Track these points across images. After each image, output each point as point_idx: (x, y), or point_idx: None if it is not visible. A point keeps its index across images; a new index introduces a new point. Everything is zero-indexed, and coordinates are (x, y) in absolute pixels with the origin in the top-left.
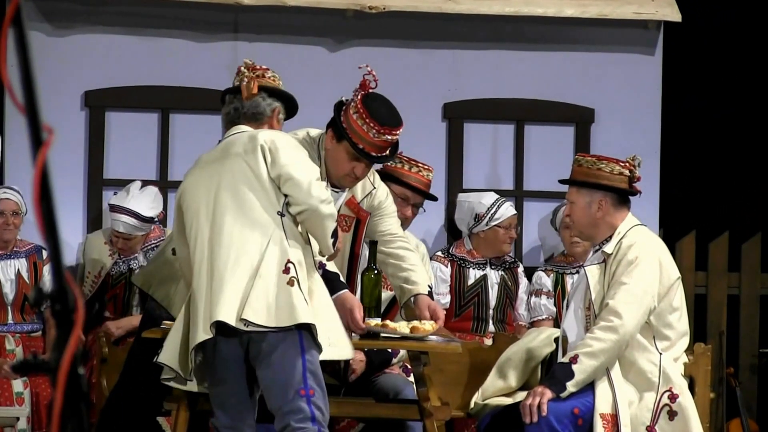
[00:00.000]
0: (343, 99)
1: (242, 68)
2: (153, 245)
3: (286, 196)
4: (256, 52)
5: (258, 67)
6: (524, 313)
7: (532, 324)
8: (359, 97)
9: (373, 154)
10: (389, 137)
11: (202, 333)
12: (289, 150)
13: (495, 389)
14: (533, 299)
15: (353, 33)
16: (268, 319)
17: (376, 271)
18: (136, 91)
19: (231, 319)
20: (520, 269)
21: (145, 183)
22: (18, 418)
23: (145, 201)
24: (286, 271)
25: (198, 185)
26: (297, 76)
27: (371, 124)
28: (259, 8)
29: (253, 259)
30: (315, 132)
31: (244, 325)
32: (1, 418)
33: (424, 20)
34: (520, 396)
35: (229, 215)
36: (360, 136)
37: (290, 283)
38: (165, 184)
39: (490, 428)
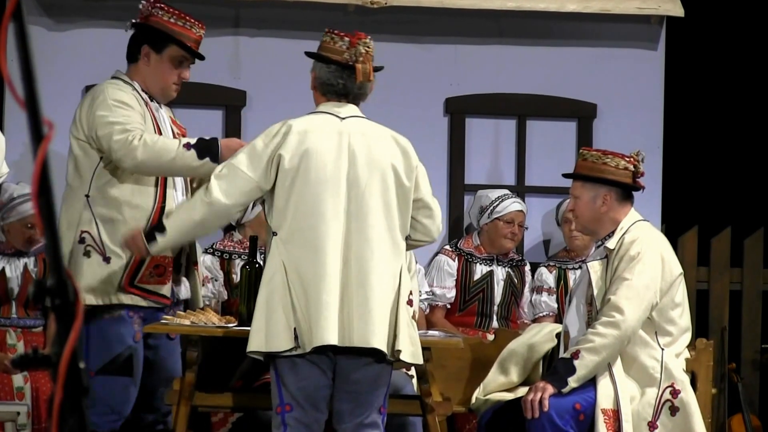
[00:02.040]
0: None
1: (359, 45)
2: None
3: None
4: (257, 47)
5: (370, 47)
6: (528, 311)
7: (534, 321)
8: (156, 4)
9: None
10: (203, 31)
11: (327, 336)
12: (426, 177)
13: (496, 384)
14: (534, 296)
15: (355, 28)
16: (414, 356)
17: (257, 266)
18: None
19: (383, 346)
20: (527, 268)
21: None
22: (18, 413)
23: None
24: (410, 303)
25: (327, 156)
26: (298, 70)
27: (191, 21)
28: (260, 3)
29: (395, 283)
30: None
31: (393, 355)
32: (1, 413)
33: (426, 15)
34: (522, 391)
35: (376, 225)
36: (186, 36)
37: (413, 317)
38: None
39: (492, 423)
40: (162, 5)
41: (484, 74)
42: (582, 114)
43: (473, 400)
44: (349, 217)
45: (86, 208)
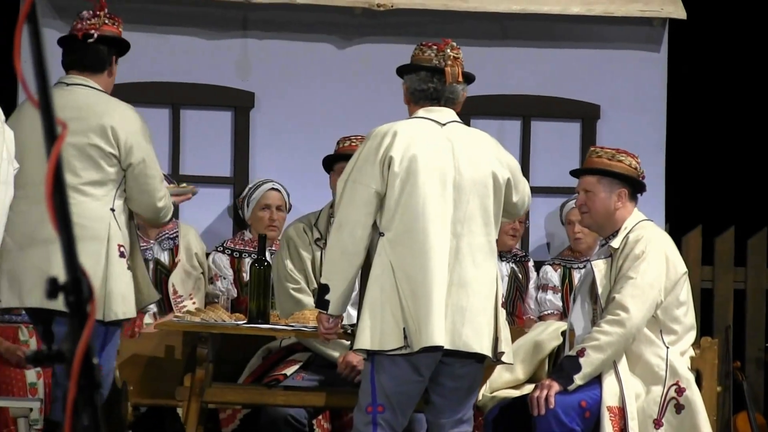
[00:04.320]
0: None
1: (447, 49)
2: (166, 236)
3: None
4: (265, 49)
5: (458, 52)
6: (534, 307)
7: (540, 318)
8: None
9: None
10: None
11: (436, 338)
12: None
13: (502, 382)
14: (540, 294)
15: (361, 30)
16: (509, 357)
17: (266, 264)
18: (147, 87)
19: (488, 351)
20: (531, 263)
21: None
22: (31, 409)
23: None
24: (503, 305)
25: (434, 162)
26: (306, 72)
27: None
28: (268, 6)
29: (494, 287)
30: None
31: (496, 357)
32: (14, 409)
33: (431, 17)
34: (528, 389)
35: (477, 231)
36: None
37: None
38: (177, 179)
39: (498, 420)
40: (110, 13)
41: (489, 76)
42: (586, 115)
43: (479, 397)
44: (454, 221)
45: (113, 222)
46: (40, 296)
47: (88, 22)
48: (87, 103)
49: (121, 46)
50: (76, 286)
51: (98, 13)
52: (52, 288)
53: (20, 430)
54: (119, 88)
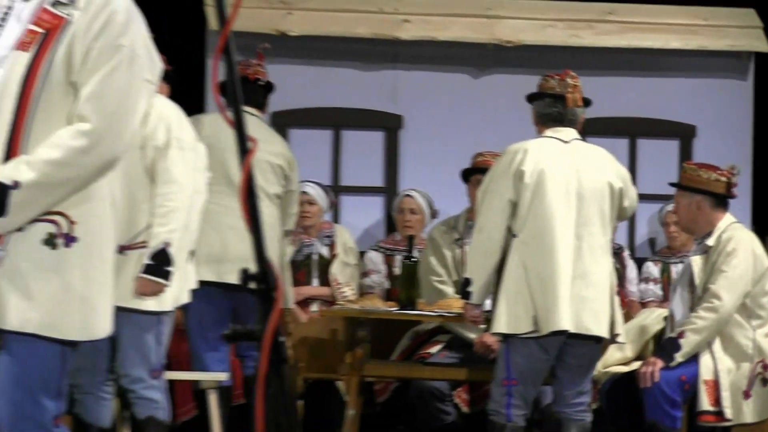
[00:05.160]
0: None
1: (567, 78)
2: (325, 234)
3: None
4: (411, 79)
5: (577, 80)
6: (635, 290)
7: (643, 305)
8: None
9: None
10: None
11: (562, 323)
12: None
13: (614, 359)
14: (643, 285)
15: (493, 63)
16: (622, 337)
17: (413, 260)
18: (312, 112)
19: (606, 333)
20: (626, 253)
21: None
22: (218, 382)
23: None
24: (619, 293)
25: (559, 174)
26: (445, 98)
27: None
28: (414, 42)
29: (610, 278)
30: None
31: (613, 338)
32: (205, 382)
33: (552, 52)
34: (636, 365)
35: (596, 233)
36: None
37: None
38: (337, 189)
39: (611, 392)
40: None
41: (602, 100)
42: (683, 134)
43: (595, 372)
44: (576, 224)
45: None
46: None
47: (256, 68)
48: (268, 131)
49: (271, 89)
50: (265, 276)
51: (260, 62)
52: (245, 277)
53: (210, 403)
54: (290, 113)
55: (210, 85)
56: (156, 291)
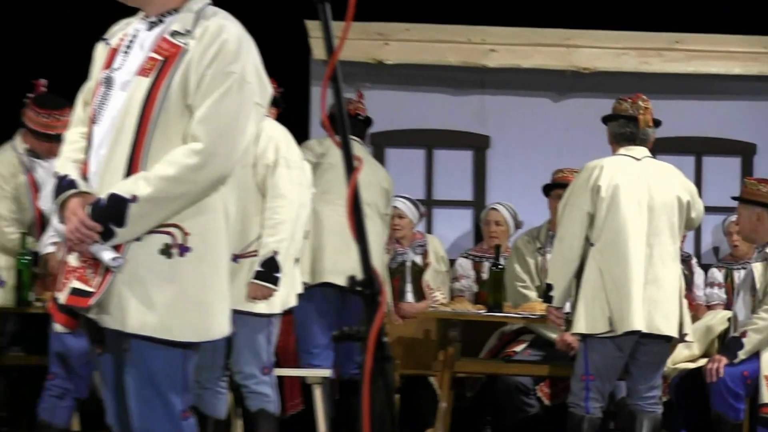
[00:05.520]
0: None
1: (639, 101)
2: (417, 244)
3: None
4: (497, 102)
5: (648, 103)
6: (701, 294)
7: (709, 307)
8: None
9: None
10: None
11: (635, 324)
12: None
13: (682, 357)
14: (708, 289)
15: (571, 88)
16: (691, 337)
17: (500, 267)
18: (406, 133)
19: (675, 333)
20: (694, 261)
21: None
22: (324, 378)
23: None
24: (687, 297)
25: (632, 189)
26: (528, 120)
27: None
28: (500, 69)
29: (678, 283)
30: None
31: (681, 337)
32: (310, 378)
33: (625, 78)
34: (702, 362)
35: (666, 242)
36: None
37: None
38: (429, 203)
39: (680, 386)
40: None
41: (670, 121)
42: (744, 151)
43: (665, 369)
44: (648, 234)
45: None
46: (340, 276)
47: (357, 104)
48: (372, 159)
49: (370, 123)
50: (371, 283)
51: (360, 99)
52: (352, 283)
53: (315, 398)
54: (387, 134)
55: (314, 111)
56: (266, 295)
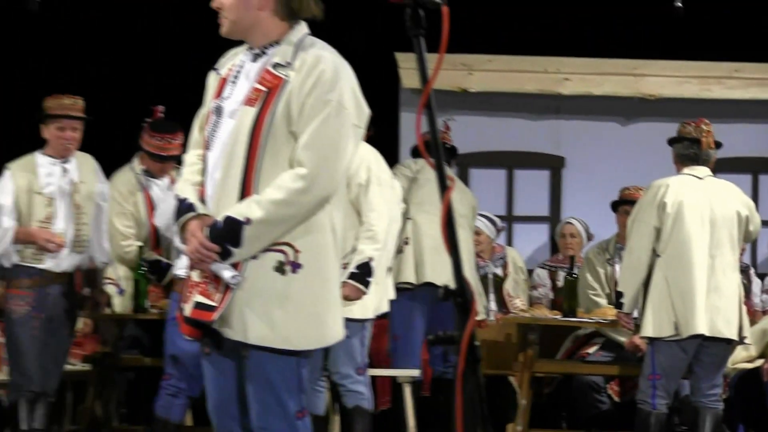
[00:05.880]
0: None
1: (702, 125)
2: (498, 257)
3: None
4: (571, 126)
5: (709, 126)
6: (758, 302)
7: (765, 313)
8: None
9: None
10: None
11: (699, 328)
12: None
13: (741, 358)
14: (764, 296)
15: (638, 113)
16: (749, 340)
17: (573, 276)
18: (490, 155)
19: (735, 336)
20: (752, 271)
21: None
22: (414, 377)
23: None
24: (746, 304)
25: (695, 205)
26: (600, 142)
27: None
28: (574, 96)
29: (739, 290)
30: None
31: (741, 340)
32: (401, 377)
33: (688, 103)
34: (759, 362)
35: (727, 253)
36: None
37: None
38: (510, 218)
39: (738, 384)
40: None
41: (729, 143)
42: None
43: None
44: (710, 246)
45: None
46: (439, 277)
47: (443, 134)
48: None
49: (455, 152)
50: (463, 292)
51: (446, 131)
52: (446, 293)
53: (405, 395)
54: (471, 156)
55: (403, 135)
56: (358, 296)
